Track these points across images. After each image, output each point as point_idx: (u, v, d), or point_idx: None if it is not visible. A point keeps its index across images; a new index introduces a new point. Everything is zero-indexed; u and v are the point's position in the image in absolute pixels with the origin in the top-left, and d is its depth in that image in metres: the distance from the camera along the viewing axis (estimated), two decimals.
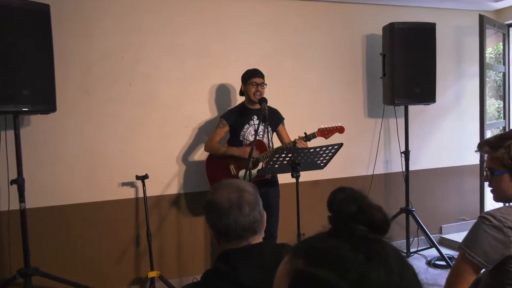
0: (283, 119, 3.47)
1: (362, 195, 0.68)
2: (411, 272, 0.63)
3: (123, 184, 3.46)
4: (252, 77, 3.27)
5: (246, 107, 3.35)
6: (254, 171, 3.14)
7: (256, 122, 3.30)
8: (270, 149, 3.23)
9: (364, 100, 4.25)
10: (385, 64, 3.94)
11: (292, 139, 3.23)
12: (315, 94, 4.05)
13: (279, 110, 3.48)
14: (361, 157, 4.23)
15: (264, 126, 3.27)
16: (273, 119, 3.35)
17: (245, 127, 3.32)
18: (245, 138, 3.32)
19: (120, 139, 3.47)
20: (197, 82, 3.66)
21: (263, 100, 3.16)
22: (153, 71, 3.54)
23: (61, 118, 3.26)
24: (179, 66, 3.61)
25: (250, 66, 3.44)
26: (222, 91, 3.73)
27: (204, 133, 3.66)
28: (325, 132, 3.20)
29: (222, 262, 1.25)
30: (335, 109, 4.10)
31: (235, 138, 3.34)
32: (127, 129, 3.49)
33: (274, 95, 3.57)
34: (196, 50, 3.66)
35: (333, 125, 3.21)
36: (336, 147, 2.89)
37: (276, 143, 3.45)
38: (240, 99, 3.53)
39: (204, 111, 3.70)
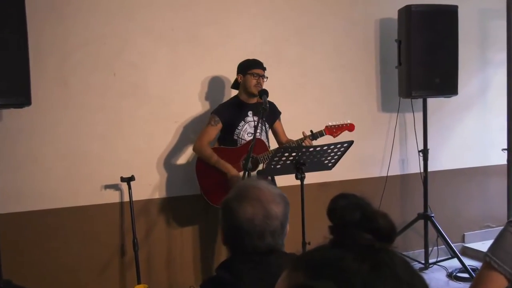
0: (280, 113, 3.47)
1: (365, 201, 0.69)
2: (422, 284, 0.64)
3: (106, 186, 3.45)
4: (253, 67, 3.27)
5: (241, 101, 3.34)
6: (253, 173, 3.12)
7: (252, 118, 3.30)
8: (272, 149, 3.23)
9: (378, 92, 4.23)
10: (401, 51, 3.91)
11: (296, 138, 3.23)
12: (322, 85, 4.03)
13: (279, 104, 3.47)
14: (373, 156, 4.23)
15: (262, 123, 3.26)
16: (270, 113, 3.32)
17: (240, 124, 3.31)
18: (240, 137, 3.31)
19: (102, 136, 3.45)
20: (189, 72, 3.63)
21: (264, 92, 3.12)
22: (140, 59, 3.51)
23: (36, 112, 3.22)
24: (168, 54, 3.58)
25: (247, 53, 3.43)
26: (214, 83, 3.70)
27: (194, 130, 3.62)
28: (333, 130, 3.21)
29: (225, 270, 1.27)
30: (344, 103, 4.08)
31: (228, 137, 3.33)
32: (111, 124, 3.47)
33: (275, 87, 3.51)
34: (188, 36, 3.63)
35: (342, 123, 3.23)
36: (345, 145, 2.89)
37: (271, 143, 3.41)
38: (233, 93, 3.51)
39: (196, 104, 3.68)
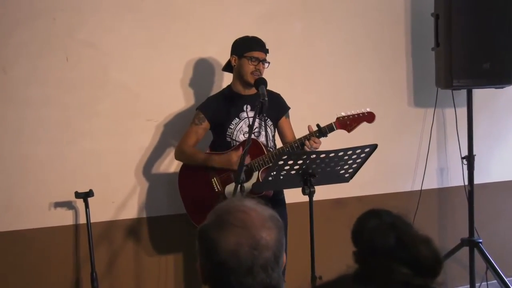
0: (289, 109, 3.45)
1: (402, 221, 0.73)
2: None
3: (56, 204, 3.42)
4: (252, 48, 3.24)
5: (234, 93, 3.32)
6: (247, 185, 3.08)
7: (251, 113, 3.28)
8: (271, 151, 3.20)
9: (408, 81, 4.23)
10: (438, 29, 3.88)
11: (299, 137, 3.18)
12: (336, 72, 4.03)
13: (283, 95, 3.44)
14: (403, 164, 4.23)
15: (262, 120, 3.26)
16: (274, 108, 3.31)
17: (234, 121, 3.29)
18: (234, 138, 3.29)
19: (51, 138, 3.42)
20: (166, 56, 3.62)
21: (261, 82, 3.10)
22: (100, 39, 3.49)
23: None
24: (138, 31, 3.57)
25: (242, 30, 3.38)
26: (202, 69, 3.69)
27: (176, 131, 3.59)
28: (347, 122, 3.14)
29: None
30: (365, 95, 4.06)
31: (219, 138, 3.32)
32: (62, 124, 3.44)
33: (277, 74, 3.50)
34: (163, 7, 3.60)
35: (358, 112, 3.16)
36: (367, 149, 2.85)
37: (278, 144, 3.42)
38: (225, 79, 3.48)
39: (176, 98, 3.65)
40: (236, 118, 3.29)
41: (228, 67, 3.36)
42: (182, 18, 3.64)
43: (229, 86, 3.37)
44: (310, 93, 3.95)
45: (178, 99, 3.67)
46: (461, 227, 4.07)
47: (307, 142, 3.08)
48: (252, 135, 3.15)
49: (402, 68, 4.20)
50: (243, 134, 3.28)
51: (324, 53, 4.00)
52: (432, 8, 3.95)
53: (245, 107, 3.30)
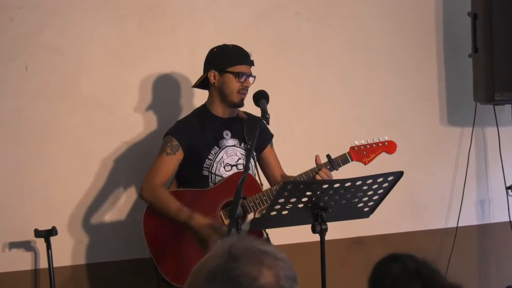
0: (272, 136, 3.43)
1: (429, 267, 0.77)
2: None
3: (12, 245, 3.42)
4: (238, 61, 3.22)
5: (211, 115, 3.29)
6: (244, 225, 3.01)
7: (232, 142, 3.28)
8: (262, 187, 3.24)
9: (440, 95, 4.24)
10: (477, 31, 3.89)
11: (305, 169, 3.19)
12: (351, 82, 4.04)
13: (279, 114, 3.42)
14: (435, 196, 4.23)
15: (246, 149, 3.26)
16: (258, 137, 3.15)
17: (213, 151, 3.26)
18: (213, 171, 3.26)
19: (5, 162, 3.42)
20: (145, 62, 3.65)
21: (261, 96, 3.10)
22: (66, 43, 3.52)
23: None
24: (113, 34, 3.60)
25: (233, 33, 3.43)
26: (187, 80, 3.69)
27: (152, 155, 3.44)
28: (363, 153, 3.18)
29: None
30: (387, 110, 4.09)
31: (194, 172, 3.26)
32: (20, 146, 3.46)
33: (274, 88, 3.39)
34: (142, 4, 3.63)
35: (375, 141, 3.21)
36: (391, 178, 2.84)
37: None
38: (198, 98, 3.44)
39: (152, 114, 3.67)
40: (216, 147, 3.25)
41: (201, 84, 3.33)
42: (165, 15, 3.66)
43: (203, 106, 3.33)
44: (318, 108, 3.94)
45: (148, 117, 3.64)
46: (507, 271, 4.15)
47: (317, 175, 3.11)
48: (236, 168, 3.24)
49: (432, 78, 4.20)
50: (224, 167, 3.25)
51: (336, 59, 4.00)
52: (468, 7, 3.95)
53: (225, 133, 3.28)
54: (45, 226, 3.28)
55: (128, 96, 3.61)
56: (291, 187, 2.77)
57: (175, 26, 3.67)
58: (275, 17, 3.84)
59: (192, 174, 3.24)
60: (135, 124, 3.62)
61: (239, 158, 3.25)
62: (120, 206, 3.60)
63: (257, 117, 3.04)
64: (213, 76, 3.22)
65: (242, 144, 3.24)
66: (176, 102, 3.71)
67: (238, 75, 3.18)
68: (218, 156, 3.25)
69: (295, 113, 3.53)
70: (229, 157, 3.26)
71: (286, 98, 3.53)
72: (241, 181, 2.79)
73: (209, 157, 3.23)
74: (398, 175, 2.83)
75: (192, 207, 3.14)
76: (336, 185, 2.76)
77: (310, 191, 2.74)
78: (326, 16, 3.96)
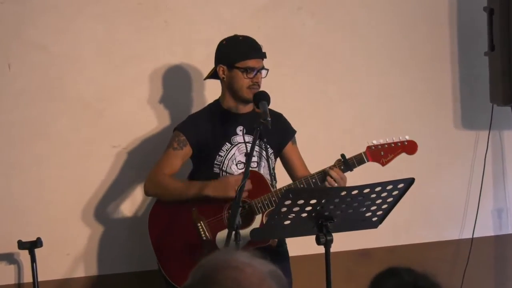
0: (295, 132, 3.43)
1: (428, 281, 0.71)
2: None
3: None
4: (247, 55, 3.24)
5: (224, 110, 3.33)
6: (245, 232, 3.01)
7: (246, 138, 3.28)
8: (274, 188, 3.20)
9: (454, 96, 4.25)
10: (493, 27, 3.90)
11: (315, 170, 3.21)
12: (361, 82, 4.07)
13: (289, 112, 3.45)
14: (449, 204, 4.23)
15: (261, 147, 3.27)
16: (277, 132, 3.27)
17: (225, 147, 3.30)
18: (224, 169, 3.30)
19: None
20: (137, 61, 3.67)
21: (262, 97, 3.10)
22: (54, 40, 3.55)
23: None
24: (101, 30, 3.64)
25: (232, 28, 3.42)
26: (183, 79, 3.72)
27: (148, 161, 3.54)
28: (381, 153, 3.19)
29: None
30: (399, 114, 4.12)
31: (204, 169, 3.31)
32: (2, 151, 3.49)
33: (279, 88, 3.53)
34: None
35: (395, 140, 3.20)
36: (401, 185, 2.84)
37: (282, 179, 3.36)
38: (210, 92, 3.45)
39: (149, 115, 3.69)
40: (227, 143, 3.28)
41: (213, 75, 3.34)
42: (157, 10, 3.67)
43: (217, 101, 3.35)
44: (326, 109, 3.99)
45: (151, 116, 3.70)
46: None
47: (328, 177, 3.10)
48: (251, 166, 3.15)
49: (446, 79, 4.20)
50: (236, 165, 3.29)
51: (344, 57, 4.02)
52: (484, 1, 3.95)
53: (238, 129, 3.29)
54: (29, 237, 3.32)
55: (118, 97, 3.64)
56: (293, 195, 2.77)
57: (168, 21, 3.68)
58: (276, 13, 3.87)
59: (203, 171, 3.28)
60: (126, 127, 3.64)
61: (254, 156, 3.22)
62: (109, 217, 3.62)
63: (260, 116, 3.04)
64: (222, 71, 3.27)
65: (257, 141, 3.19)
66: (175, 102, 3.74)
67: (247, 70, 3.21)
68: (230, 153, 3.28)
69: (298, 117, 3.52)
70: (241, 154, 3.29)
71: (288, 101, 3.53)
72: (240, 189, 2.82)
73: (220, 154, 3.27)
74: (409, 182, 2.83)
75: (197, 205, 3.21)
76: (343, 193, 2.80)
77: (314, 200, 2.74)
78: (332, 11, 3.96)
